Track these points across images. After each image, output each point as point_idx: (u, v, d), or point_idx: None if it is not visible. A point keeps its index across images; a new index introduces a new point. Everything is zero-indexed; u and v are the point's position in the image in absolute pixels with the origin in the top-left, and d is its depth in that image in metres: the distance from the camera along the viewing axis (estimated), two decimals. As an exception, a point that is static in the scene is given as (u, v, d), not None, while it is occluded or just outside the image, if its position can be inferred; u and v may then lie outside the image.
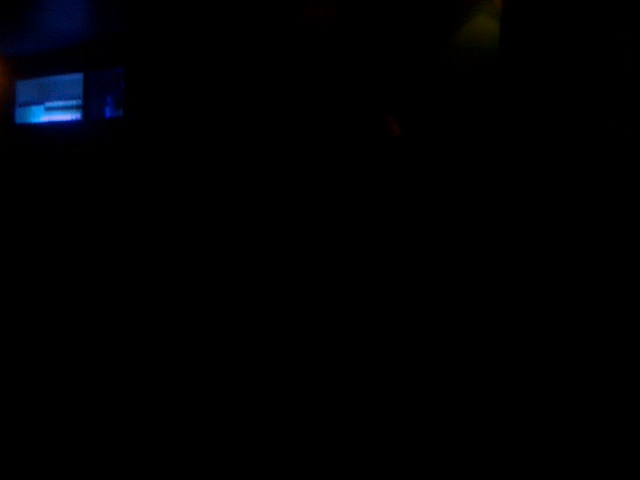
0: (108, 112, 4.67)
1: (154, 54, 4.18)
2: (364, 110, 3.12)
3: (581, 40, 2.35)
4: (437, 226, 2.83)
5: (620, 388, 2.20)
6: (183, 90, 4.03)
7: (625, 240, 2.31)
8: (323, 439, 2.12)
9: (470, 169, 2.74)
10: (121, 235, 4.14)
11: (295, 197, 3.37)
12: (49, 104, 5.13)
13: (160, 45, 4.17)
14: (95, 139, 4.53)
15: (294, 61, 3.44)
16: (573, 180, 2.43)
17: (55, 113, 5.10)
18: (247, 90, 3.70)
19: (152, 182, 4.10)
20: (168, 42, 4.11)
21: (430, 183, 2.87)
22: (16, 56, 5.03)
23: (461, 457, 2.03)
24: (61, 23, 4.17)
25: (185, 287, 3.61)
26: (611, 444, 2.05)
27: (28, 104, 5.20)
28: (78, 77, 4.85)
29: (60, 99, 5.10)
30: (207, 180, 3.84)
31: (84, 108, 4.84)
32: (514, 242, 2.54)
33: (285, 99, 3.49)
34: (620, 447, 2.04)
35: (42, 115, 5.17)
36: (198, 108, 3.96)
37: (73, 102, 5.00)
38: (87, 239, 4.29)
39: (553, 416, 2.22)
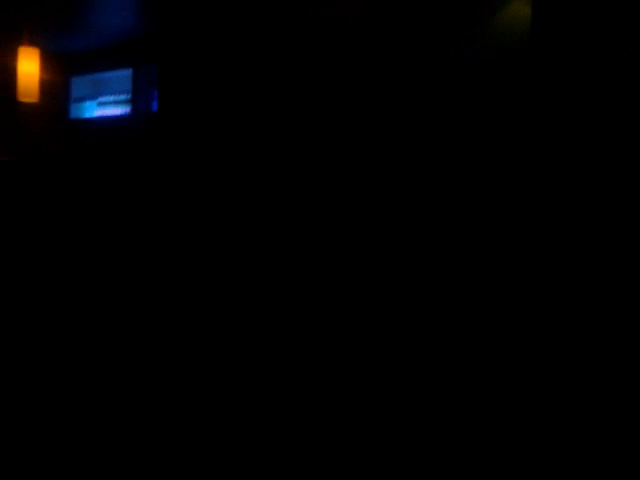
0: (155, 106, 4.83)
1: (185, 52, 4.30)
2: (397, 99, 3.05)
3: (589, 37, 2.24)
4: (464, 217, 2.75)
5: (620, 388, 2.11)
6: (211, 87, 4.12)
7: (625, 239, 2.20)
8: (323, 439, 2.12)
9: (500, 158, 2.64)
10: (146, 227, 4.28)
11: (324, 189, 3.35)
12: (101, 99, 5.36)
13: (190, 44, 4.27)
14: (140, 131, 4.71)
15: (322, 57, 3.41)
16: (576, 177, 2.33)
17: (107, 108, 5.32)
18: (271, 88, 3.73)
19: (182, 172, 4.22)
20: (198, 41, 4.21)
21: (458, 173, 2.78)
22: (71, 54, 5.28)
23: (461, 457, 1.99)
24: (110, 21, 4.35)
25: (203, 273, 3.70)
26: (611, 444, 1.96)
27: (82, 99, 5.46)
28: (128, 72, 5.03)
29: (112, 94, 5.32)
30: (234, 173, 3.90)
31: (133, 102, 5.02)
32: (519, 239, 2.48)
33: (312, 95, 3.47)
34: (620, 447, 1.94)
35: (95, 110, 5.41)
36: (225, 105, 4.02)
37: (123, 97, 5.20)
38: (115, 230, 4.46)
39: (553, 416, 2.14)
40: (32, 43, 4.49)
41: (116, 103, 5.28)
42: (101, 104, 5.36)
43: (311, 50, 3.40)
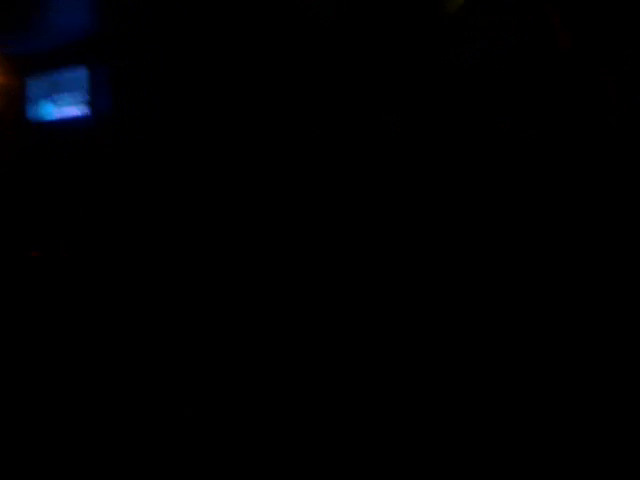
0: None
1: (136, 53, 4.27)
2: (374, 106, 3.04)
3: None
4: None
5: (620, 388, 2.15)
6: (165, 88, 4.09)
7: (625, 239, 2.25)
8: (323, 439, 2.14)
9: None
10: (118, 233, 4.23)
11: (293, 194, 3.35)
12: (58, 99, 5.27)
13: (142, 44, 4.24)
14: (97, 132, 4.67)
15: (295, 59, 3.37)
16: (574, 178, 2.37)
17: (64, 109, 5.24)
18: (232, 88, 3.71)
19: (137, 176, 4.19)
20: (150, 40, 4.17)
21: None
22: (25, 54, 5.16)
23: (461, 457, 2.03)
24: (63, 21, 4.27)
25: (182, 286, 3.67)
26: (611, 444, 2.01)
27: (38, 100, 5.36)
28: (83, 72, 4.97)
29: (68, 94, 5.23)
30: (197, 177, 3.88)
31: (90, 103, 4.96)
32: (519, 239, 2.51)
33: (280, 100, 3.46)
34: (620, 447, 2.00)
35: (52, 110, 5.32)
36: (180, 106, 4.00)
37: (80, 96, 5.12)
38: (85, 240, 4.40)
39: (553, 416, 2.19)
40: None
41: (73, 104, 5.20)
42: (58, 105, 5.28)
43: (291, 51, 3.36)
